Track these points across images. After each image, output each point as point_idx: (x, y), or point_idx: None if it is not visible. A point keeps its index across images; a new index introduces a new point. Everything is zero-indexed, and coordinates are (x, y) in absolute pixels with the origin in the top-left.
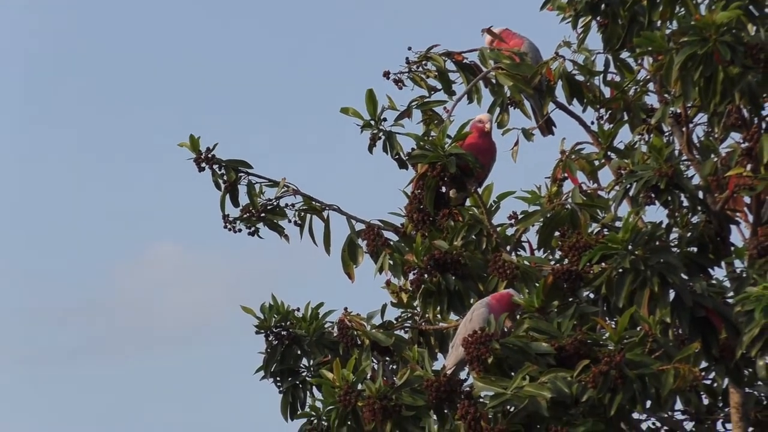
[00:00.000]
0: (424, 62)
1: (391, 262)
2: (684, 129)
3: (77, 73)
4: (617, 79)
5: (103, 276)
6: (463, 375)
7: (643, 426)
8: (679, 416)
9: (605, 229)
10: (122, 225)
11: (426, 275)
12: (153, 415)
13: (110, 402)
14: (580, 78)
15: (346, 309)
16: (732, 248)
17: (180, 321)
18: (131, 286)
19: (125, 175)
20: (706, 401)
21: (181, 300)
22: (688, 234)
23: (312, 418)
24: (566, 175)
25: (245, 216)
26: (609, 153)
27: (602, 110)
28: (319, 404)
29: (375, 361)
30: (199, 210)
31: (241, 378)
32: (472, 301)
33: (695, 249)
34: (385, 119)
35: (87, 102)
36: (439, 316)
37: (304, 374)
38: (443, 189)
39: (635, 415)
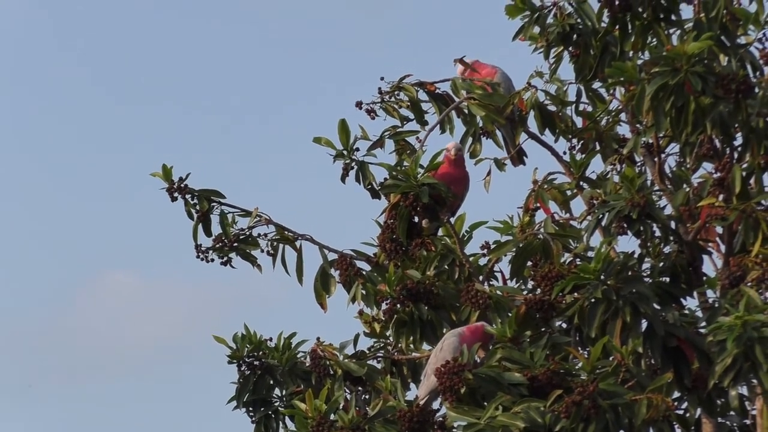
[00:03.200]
0: (396, 92)
1: (364, 292)
2: (656, 159)
3: (33, 93)
4: (589, 109)
5: (55, 306)
6: (436, 405)
7: None
8: None
9: (577, 259)
10: (76, 253)
11: (399, 305)
12: None
13: (71, 428)
14: (553, 108)
15: (318, 339)
16: (704, 278)
17: (142, 350)
18: (89, 314)
19: (78, 203)
20: (678, 431)
21: (141, 329)
22: (661, 264)
23: None
24: (538, 204)
25: (218, 246)
26: (581, 183)
27: (574, 140)
28: None
29: (348, 391)
30: (156, 239)
31: (210, 408)
32: (444, 330)
33: (667, 279)
34: (357, 149)
35: (47, 127)
36: (411, 345)
37: (276, 404)
38: (416, 219)
39: None
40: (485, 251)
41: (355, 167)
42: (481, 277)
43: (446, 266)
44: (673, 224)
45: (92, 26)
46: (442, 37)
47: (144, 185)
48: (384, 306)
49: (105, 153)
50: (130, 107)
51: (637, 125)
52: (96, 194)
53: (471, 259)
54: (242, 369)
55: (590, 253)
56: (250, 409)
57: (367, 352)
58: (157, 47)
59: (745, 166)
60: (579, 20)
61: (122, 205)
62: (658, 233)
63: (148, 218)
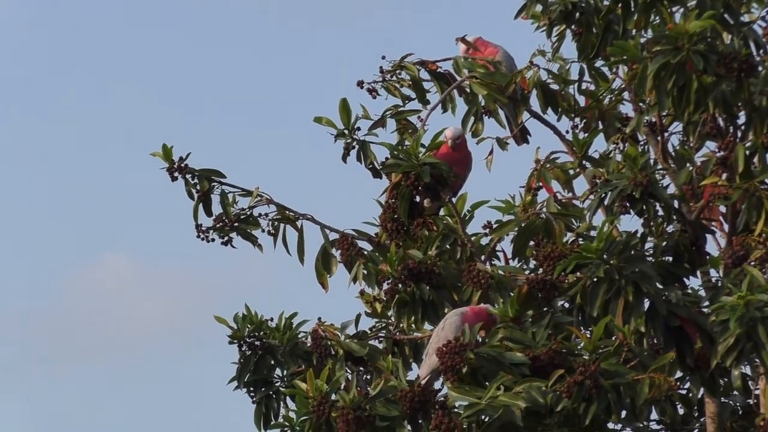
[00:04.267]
0: (398, 71)
1: (365, 272)
2: (659, 138)
3: (30, 74)
4: (592, 88)
5: (53, 285)
6: (437, 385)
7: None
8: (654, 426)
9: (580, 239)
10: (71, 234)
11: (400, 285)
12: (115, 428)
13: (65, 415)
14: (555, 87)
15: (319, 319)
16: (707, 257)
17: (139, 331)
18: (82, 296)
19: (77, 183)
20: (681, 411)
21: (135, 313)
22: (663, 243)
23: (285, 429)
24: (541, 184)
25: (218, 226)
26: (584, 162)
27: (577, 119)
28: (292, 415)
29: (349, 371)
30: (150, 220)
31: (210, 389)
32: (446, 310)
33: (670, 258)
34: (358, 128)
35: (43, 108)
36: (413, 325)
37: (277, 384)
38: (417, 198)
39: (610, 425)
40: (487, 231)
41: (357, 147)
42: (483, 257)
43: (448, 246)
44: (676, 203)
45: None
46: (445, 15)
47: (138, 165)
48: (385, 286)
49: (99, 132)
50: (126, 86)
51: (640, 104)
52: (86, 174)
53: (473, 238)
54: (243, 349)
55: (593, 233)
56: (251, 389)
57: (369, 332)
58: (154, 24)
59: (748, 144)
60: None
61: (115, 186)
62: (660, 212)
63: (141, 199)
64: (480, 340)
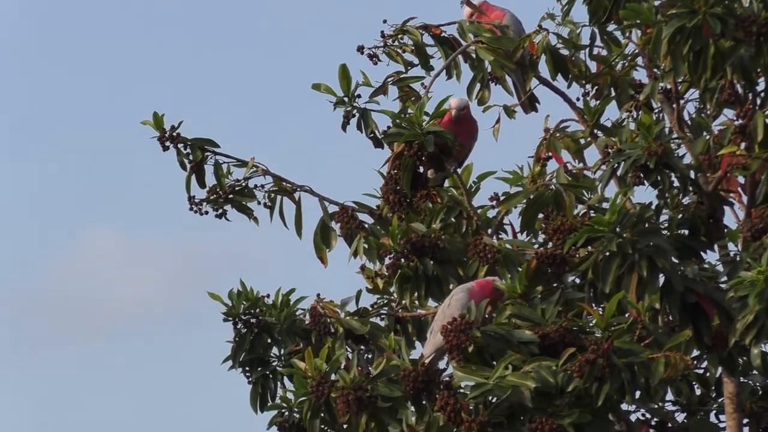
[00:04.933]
0: (400, 36)
1: (366, 246)
2: (674, 105)
3: (8, 41)
4: (604, 53)
5: (36, 264)
6: (442, 364)
7: (632, 417)
8: (670, 407)
9: (591, 211)
10: (55, 211)
11: (403, 259)
12: (104, 412)
13: (51, 398)
14: (565, 52)
15: (318, 295)
16: (725, 230)
17: (128, 309)
18: (68, 275)
19: (51, 155)
20: (698, 391)
21: (126, 289)
22: (679, 216)
23: (283, 410)
24: (550, 154)
25: (212, 198)
26: (595, 131)
27: (588, 86)
28: (290, 395)
29: (349, 350)
30: (139, 193)
31: (204, 368)
32: (451, 286)
33: (686, 231)
34: (359, 96)
35: (22, 79)
36: (416, 302)
37: (274, 364)
38: (421, 169)
39: (624, 406)
40: (494, 203)
41: (357, 115)
42: (489, 231)
43: (453, 219)
44: (692, 174)
45: None
46: None
47: (125, 135)
48: (387, 261)
49: (82, 101)
50: (116, 52)
51: (655, 70)
52: (73, 146)
53: (479, 211)
54: (238, 327)
55: (605, 205)
56: (247, 369)
57: (370, 309)
58: None
59: None
60: None
61: (102, 158)
62: (676, 183)
63: (129, 171)
64: (487, 317)
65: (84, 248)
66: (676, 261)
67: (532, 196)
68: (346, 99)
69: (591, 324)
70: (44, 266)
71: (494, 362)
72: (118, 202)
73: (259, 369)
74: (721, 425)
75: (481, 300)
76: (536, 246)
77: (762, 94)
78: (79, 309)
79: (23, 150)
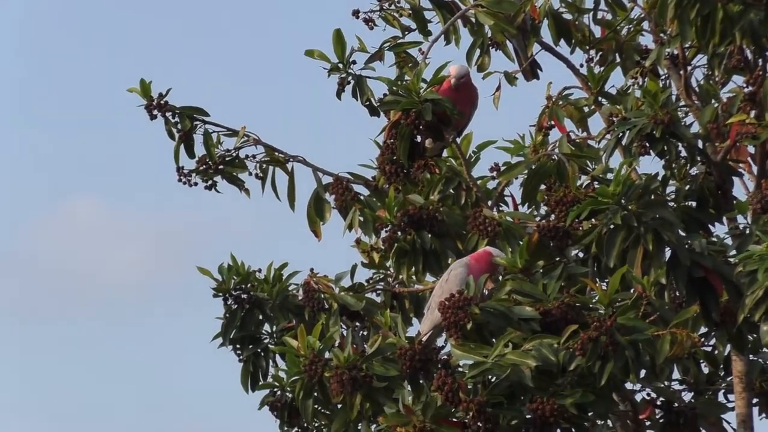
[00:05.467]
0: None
1: (362, 219)
2: (681, 72)
3: None
4: (608, 17)
5: (16, 232)
6: (440, 342)
7: (637, 397)
8: (676, 386)
9: (595, 182)
10: (36, 178)
11: (399, 233)
12: (80, 392)
13: (32, 372)
14: (568, 16)
15: (312, 270)
16: (734, 202)
17: (113, 281)
18: (48, 244)
19: (32, 121)
20: (705, 370)
21: (107, 259)
22: (686, 187)
23: (275, 390)
24: (553, 122)
25: (201, 168)
26: (599, 98)
27: (592, 52)
28: (282, 374)
29: (344, 327)
30: (123, 161)
31: (192, 346)
32: (449, 261)
33: (694, 203)
34: (354, 62)
35: (7, 45)
36: (413, 277)
37: (266, 341)
38: (418, 138)
39: (628, 386)
40: (494, 174)
41: (352, 82)
42: (489, 202)
43: (451, 190)
44: (700, 143)
45: None
46: None
47: (111, 103)
48: (383, 234)
49: (69, 67)
50: (101, 16)
51: (661, 35)
52: (54, 112)
53: (479, 182)
54: (229, 303)
55: (609, 176)
56: (237, 346)
57: (365, 284)
58: None
59: None
60: None
61: (84, 124)
62: (683, 153)
63: (116, 140)
64: (486, 292)
65: (66, 217)
66: (683, 234)
67: (533, 167)
68: (340, 65)
69: (594, 300)
70: (26, 234)
71: (493, 340)
72: (102, 171)
73: (251, 347)
74: (730, 405)
75: (480, 274)
76: (538, 218)
77: None
78: (56, 279)
79: (8, 115)
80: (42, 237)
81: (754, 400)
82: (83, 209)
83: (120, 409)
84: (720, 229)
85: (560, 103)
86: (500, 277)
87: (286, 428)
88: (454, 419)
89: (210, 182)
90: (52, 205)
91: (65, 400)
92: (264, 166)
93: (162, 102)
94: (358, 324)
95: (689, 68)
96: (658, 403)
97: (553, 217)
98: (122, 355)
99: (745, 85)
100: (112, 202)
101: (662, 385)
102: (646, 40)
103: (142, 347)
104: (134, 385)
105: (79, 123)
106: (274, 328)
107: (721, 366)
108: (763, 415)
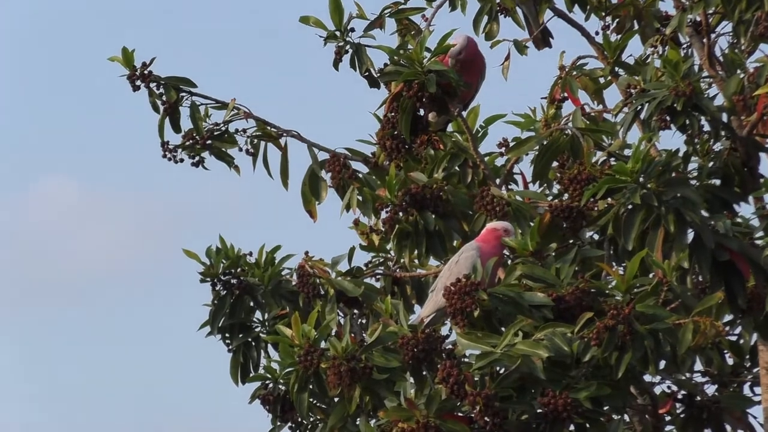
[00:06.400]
0: None
1: (360, 198)
2: (705, 40)
3: None
4: None
5: None
6: (444, 330)
7: (657, 390)
8: (699, 379)
9: (612, 159)
10: (6, 156)
11: (401, 213)
12: (57, 377)
13: (4, 363)
14: None
15: (307, 253)
16: (761, 180)
17: (89, 266)
18: (19, 227)
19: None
20: (730, 361)
21: (83, 245)
22: (710, 164)
23: (267, 382)
24: (566, 94)
25: (188, 143)
26: (616, 69)
27: (609, 18)
28: (275, 365)
29: (341, 314)
30: (99, 137)
31: (177, 335)
32: (455, 243)
33: (718, 181)
34: (352, 30)
35: None
36: (416, 261)
37: (257, 330)
38: (421, 112)
39: (647, 378)
40: (503, 150)
41: (350, 51)
42: (498, 180)
43: (457, 167)
44: (724, 117)
45: None
46: None
47: (89, 72)
48: (384, 214)
49: (49, 40)
50: None
51: (683, 0)
52: (25, 85)
53: (486, 159)
54: (217, 289)
55: (627, 152)
56: (227, 335)
57: (364, 268)
58: None
59: None
60: None
61: (58, 98)
62: (706, 128)
63: (95, 113)
64: (494, 279)
65: (39, 197)
66: (707, 215)
67: (545, 142)
68: (338, 33)
69: (611, 286)
70: None
71: (502, 328)
72: (78, 147)
73: (241, 336)
74: (756, 398)
75: (490, 257)
76: (550, 198)
77: None
78: (29, 263)
79: None
80: (13, 219)
81: None
82: (55, 189)
83: (98, 402)
84: (746, 209)
85: (574, 73)
86: (509, 261)
87: (278, 423)
88: (460, 414)
89: (197, 158)
90: (23, 186)
91: (36, 387)
92: (255, 141)
93: (146, 72)
94: (356, 311)
95: (713, 36)
96: (679, 396)
97: (566, 196)
98: (98, 345)
99: None
100: (85, 181)
101: (684, 378)
102: (667, 5)
103: (120, 335)
104: (112, 376)
105: (47, 96)
106: (266, 316)
107: (747, 357)
108: None
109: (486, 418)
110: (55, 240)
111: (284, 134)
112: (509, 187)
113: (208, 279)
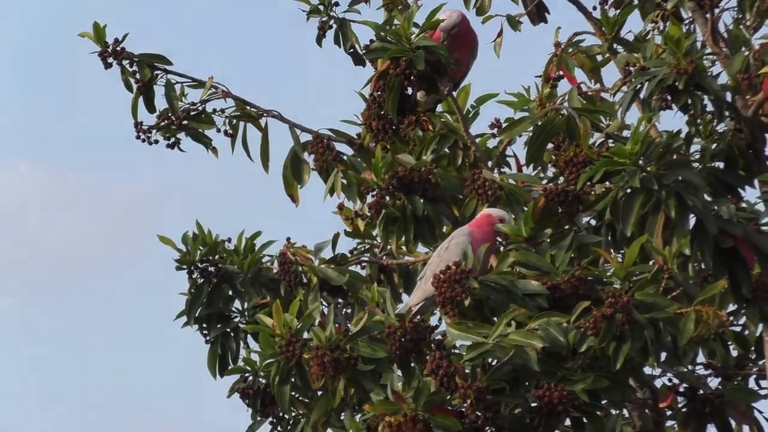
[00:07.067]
0: None
1: (345, 182)
2: (708, 15)
3: None
4: None
5: None
6: (433, 320)
7: (657, 383)
8: (701, 371)
9: (610, 140)
10: None
11: (387, 197)
12: (27, 372)
13: None
14: None
15: (288, 239)
16: (767, 163)
17: (54, 254)
18: None
19: None
20: (734, 352)
21: (52, 234)
22: (713, 146)
23: (246, 375)
24: (562, 73)
25: (163, 124)
26: (615, 46)
27: None
28: (255, 357)
29: (324, 303)
30: (70, 120)
31: (152, 326)
32: (444, 229)
33: (721, 164)
34: (337, 4)
35: None
36: (403, 247)
37: (236, 320)
38: (409, 90)
39: (647, 370)
40: (495, 131)
41: (334, 27)
42: (490, 163)
43: (447, 149)
44: (728, 96)
45: None
46: None
47: (52, 50)
48: (369, 199)
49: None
50: None
51: None
52: None
53: (477, 140)
54: (194, 277)
55: (626, 133)
56: (204, 326)
57: (349, 255)
58: None
59: None
60: None
61: (25, 78)
62: (709, 107)
63: (58, 92)
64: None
65: (3, 183)
66: (710, 199)
67: (539, 123)
68: (321, 7)
69: (609, 273)
70: None
71: (495, 318)
72: (43, 134)
73: (219, 326)
74: (762, 392)
75: (482, 243)
76: (545, 181)
77: None
78: None
79: None
80: None
81: None
82: (18, 178)
83: (64, 402)
84: (751, 193)
85: (570, 50)
86: (501, 248)
87: (259, 418)
88: (450, 407)
89: (172, 140)
90: None
91: (5, 382)
92: (234, 121)
93: (118, 48)
94: (340, 300)
95: (717, 11)
96: (681, 389)
97: (561, 179)
98: (69, 337)
99: None
100: (53, 166)
101: (685, 370)
102: None
103: (92, 327)
104: (85, 368)
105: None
106: (246, 306)
107: (752, 348)
108: None
109: (477, 412)
110: (20, 229)
111: (264, 114)
112: (502, 170)
113: (185, 266)
